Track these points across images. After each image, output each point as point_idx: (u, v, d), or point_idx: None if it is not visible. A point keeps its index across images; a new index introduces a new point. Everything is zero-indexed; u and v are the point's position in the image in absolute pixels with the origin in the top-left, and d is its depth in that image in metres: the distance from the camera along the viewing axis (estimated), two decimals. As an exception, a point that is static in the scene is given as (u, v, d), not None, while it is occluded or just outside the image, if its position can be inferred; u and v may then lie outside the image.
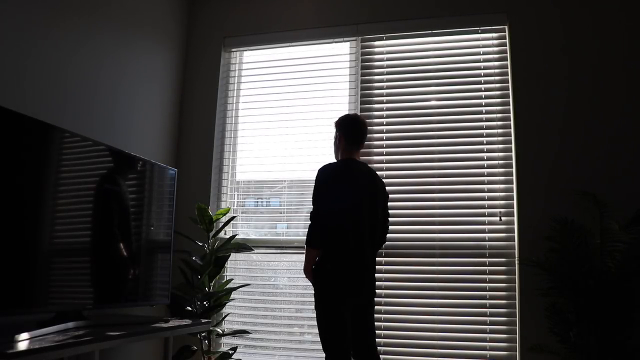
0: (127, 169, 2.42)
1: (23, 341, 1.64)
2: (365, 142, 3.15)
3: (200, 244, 3.06)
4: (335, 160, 2.58)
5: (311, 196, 2.43)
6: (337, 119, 2.63)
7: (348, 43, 3.35)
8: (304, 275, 2.46)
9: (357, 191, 2.42)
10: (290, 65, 3.44)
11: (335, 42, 3.36)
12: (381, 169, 3.12)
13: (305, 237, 2.40)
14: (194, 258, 2.95)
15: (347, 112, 3.09)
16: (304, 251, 2.44)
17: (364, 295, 2.40)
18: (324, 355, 2.28)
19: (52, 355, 1.59)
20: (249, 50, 3.56)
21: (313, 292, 2.37)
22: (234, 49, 3.56)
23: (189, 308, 2.90)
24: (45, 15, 2.37)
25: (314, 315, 2.36)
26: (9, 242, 1.78)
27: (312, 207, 2.41)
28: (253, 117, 3.46)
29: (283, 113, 3.38)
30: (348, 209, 2.37)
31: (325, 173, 2.42)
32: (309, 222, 2.38)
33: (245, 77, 3.55)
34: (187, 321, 2.51)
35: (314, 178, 2.43)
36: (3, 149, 1.77)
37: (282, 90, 3.41)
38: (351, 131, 2.56)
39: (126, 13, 2.96)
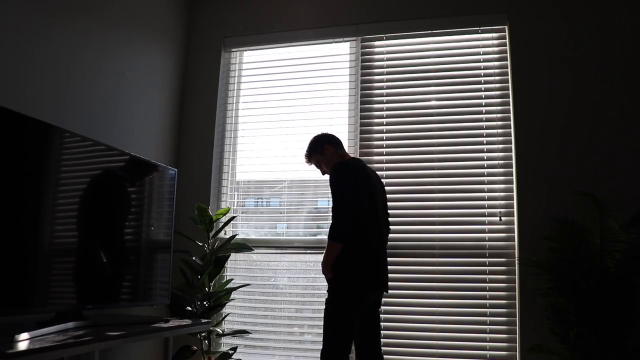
0: (127, 169, 2.42)
1: (23, 341, 1.64)
2: (366, 142, 3.19)
3: (200, 244, 3.06)
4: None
5: (313, 195, 2.44)
6: (307, 152, 2.67)
7: (348, 43, 3.35)
8: (321, 270, 2.36)
9: (372, 187, 2.44)
10: (290, 65, 3.43)
11: (335, 42, 3.36)
12: (381, 169, 3.12)
13: (326, 233, 2.39)
14: (194, 258, 2.95)
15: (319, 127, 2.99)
16: (325, 246, 2.34)
17: (382, 291, 2.43)
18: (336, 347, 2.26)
19: (52, 355, 1.59)
20: (249, 50, 3.56)
21: (328, 287, 2.32)
22: (234, 49, 3.56)
23: (189, 308, 2.90)
24: (45, 15, 2.37)
25: (314, 315, 2.35)
26: (9, 242, 1.78)
27: (336, 201, 2.33)
28: (253, 117, 3.46)
29: (283, 113, 3.38)
30: (368, 204, 2.38)
31: (345, 169, 2.39)
32: (335, 216, 2.31)
33: (245, 77, 3.55)
34: (187, 321, 2.51)
35: (312, 178, 2.42)
36: (3, 149, 1.77)
37: (282, 91, 3.41)
38: (333, 138, 2.65)
39: (126, 13, 2.96)
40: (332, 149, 2.62)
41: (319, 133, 2.73)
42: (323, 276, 2.37)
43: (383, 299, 2.93)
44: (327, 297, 2.33)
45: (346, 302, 2.28)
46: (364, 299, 2.31)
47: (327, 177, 2.64)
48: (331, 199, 2.39)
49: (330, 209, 2.37)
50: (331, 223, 2.31)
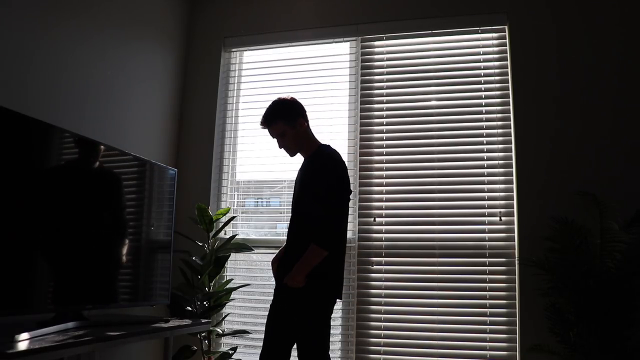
0: (127, 169, 2.42)
1: (23, 341, 1.64)
2: (366, 142, 3.18)
3: (200, 244, 3.06)
4: (295, 154, 2.33)
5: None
6: (271, 115, 2.26)
7: (348, 43, 3.35)
8: (292, 279, 2.10)
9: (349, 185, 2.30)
10: (290, 65, 3.43)
11: (335, 42, 3.36)
12: (381, 169, 3.12)
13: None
14: (194, 258, 2.95)
15: (282, 97, 2.40)
16: (314, 252, 2.09)
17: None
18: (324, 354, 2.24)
19: (52, 355, 1.59)
20: (249, 50, 3.56)
21: (294, 296, 2.11)
22: (234, 49, 3.56)
23: (189, 308, 2.90)
24: (45, 15, 2.37)
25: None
26: (9, 242, 1.78)
27: (330, 199, 2.10)
28: (253, 117, 3.46)
29: (283, 113, 3.38)
30: (347, 206, 2.27)
31: (339, 161, 2.20)
32: (329, 218, 2.06)
33: (245, 77, 3.55)
34: (187, 321, 2.51)
35: (329, 164, 2.17)
36: (3, 149, 1.77)
37: (282, 91, 3.39)
38: (305, 111, 2.31)
39: (127, 13, 2.96)
40: (306, 126, 2.30)
41: (288, 97, 2.33)
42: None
43: (383, 299, 2.98)
44: (293, 307, 2.11)
45: (324, 314, 2.16)
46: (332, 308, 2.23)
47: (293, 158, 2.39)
48: (306, 189, 2.16)
49: (301, 201, 2.16)
50: (322, 225, 2.07)
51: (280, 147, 2.35)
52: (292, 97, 2.36)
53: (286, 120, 2.26)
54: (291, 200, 2.39)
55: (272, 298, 2.28)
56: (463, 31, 3.14)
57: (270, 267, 2.41)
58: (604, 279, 2.37)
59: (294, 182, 2.39)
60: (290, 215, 2.34)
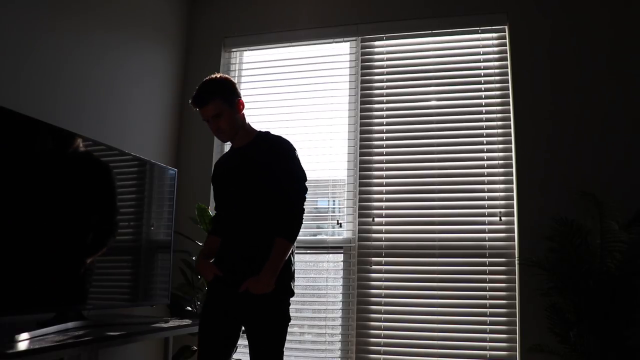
0: (128, 169, 2.42)
1: (23, 341, 1.64)
2: (366, 142, 3.18)
3: (200, 244, 3.05)
4: (227, 149, 2.12)
5: (312, 195, 2.15)
6: (212, 90, 2.02)
7: (348, 43, 3.35)
8: (262, 283, 1.87)
9: None
10: (290, 65, 3.43)
11: (335, 42, 3.36)
12: (381, 169, 3.12)
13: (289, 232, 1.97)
14: (194, 258, 2.95)
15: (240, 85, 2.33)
16: (284, 248, 1.93)
17: None
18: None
19: (52, 355, 1.59)
20: (249, 50, 3.56)
21: (268, 301, 1.91)
22: (234, 49, 3.56)
23: (189, 308, 2.90)
24: (44, 15, 2.37)
25: (314, 315, 2.24)
26: (9, 242, 1.78)
27: (300, 184, 1.99)
28: (253, 117, 3.44)
29: (283, 113, 3.38)
30: None
31: None
32: (299, 208, 1.97)
33: (245, 77, 3.55)
34: (187, 321, 2.51)
35: (311, 178, 2.08)
36: (3, 149, 1.77)
37: (282, 91, 3.41)
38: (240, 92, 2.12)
39: (127, 13, 2.96)
40: (243, 110, 2.09)
41: (223, 76, 2.12)
42: (321, 276, 2.24)
43: (383, 299, 2.97)
44: (271, 316, 1.92)
45: (289, 314, 1.99)
46: None
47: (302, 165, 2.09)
48: (269, 175, 1.96)
49: (262, 188, 1.95)
50: (290, 214, 1.93)
51: (214, 130, 2.05)
52: (227, 77, 2.14)
53: (224, 100, 2.01)
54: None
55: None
56: (463, 31, 3.14)
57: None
58: (604, 279, 2.37)
59: (225, 171, 2.13)
60: (236, 208, 2.03)
